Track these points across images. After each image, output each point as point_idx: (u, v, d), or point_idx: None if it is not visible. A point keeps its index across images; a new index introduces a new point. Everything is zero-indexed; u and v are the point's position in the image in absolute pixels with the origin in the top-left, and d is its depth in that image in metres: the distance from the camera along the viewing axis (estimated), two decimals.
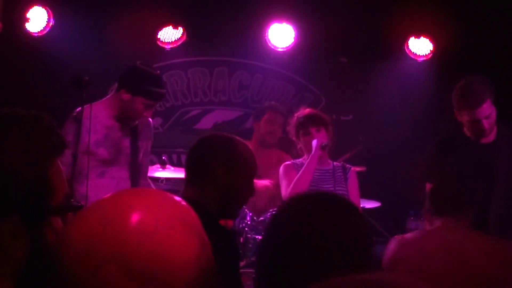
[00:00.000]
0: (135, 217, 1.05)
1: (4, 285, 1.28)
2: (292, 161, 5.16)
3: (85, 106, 4.39)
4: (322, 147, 4.94)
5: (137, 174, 4.78)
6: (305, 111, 5.16)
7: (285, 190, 4.94)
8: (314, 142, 4.92)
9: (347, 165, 5.20)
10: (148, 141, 4.94)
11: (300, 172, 4.91)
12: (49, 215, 1.34)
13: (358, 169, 5.59)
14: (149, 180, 5.07)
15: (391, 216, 6.80)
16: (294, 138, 5.14)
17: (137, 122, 4.74)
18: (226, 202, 3.02)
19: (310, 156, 4.92)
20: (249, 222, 5.32)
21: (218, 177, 2.98)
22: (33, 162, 1.34)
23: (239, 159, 3.04)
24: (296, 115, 5.15)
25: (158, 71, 4.79)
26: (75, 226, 1.10)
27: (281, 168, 5.12)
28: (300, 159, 5.12)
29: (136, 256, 1.02)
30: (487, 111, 4.37)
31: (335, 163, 5.17)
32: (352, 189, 5.09)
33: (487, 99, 4.36)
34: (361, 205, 6.05)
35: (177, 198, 1.14)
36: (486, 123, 4.39)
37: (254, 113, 6.66)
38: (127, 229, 1.04)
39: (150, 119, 4.96)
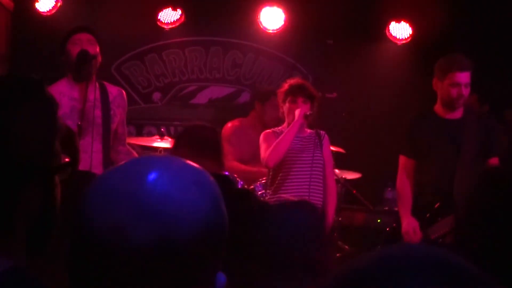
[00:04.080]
0: (153, 174, 1.09)
1: (20, 241, 1.31)
2: (272, 129, 5.16)
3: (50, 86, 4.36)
4: (305, 117, 4.97)
5: (109, 146, 4.68)
6: (299, 80, 5.20)
7: (264, 153, 4.98)
8: (298, 111, 4.95)
9: (322, 132, 5.17)
10: (122, 110, 4.79)
11: (281, 137, 4.95)
12: (56, 173, 1.35)
13: (334, 149, 5.69)
14: (128, 146, 4.98)
15: (370, 186, 7.04)
16: (280, 102, 5.15)
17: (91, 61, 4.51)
18: None
19: (293, 122, 4.94)
20: None
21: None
22: (49, 128, 1.33)
23: None
24: (288, 81, 5.16)
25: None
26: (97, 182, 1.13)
27: (261, 135, 5.13)
28: (280, 128, 5.14)
29: (147, 198, 1.06)
30: (468, 79, 4.58)
31: (309, 130, 5.18)
32: (326, 155, 5.13)
33: (470, 70, 4.60)
34: (343, 176, 6.29)
35: (194, 164, 1.16)
36: (464, 90, 4.57)
37: (257, 93, 6.60)
38: (145, 180, 1.08)
39: (123, 91, 4.90)
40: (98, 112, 4.58)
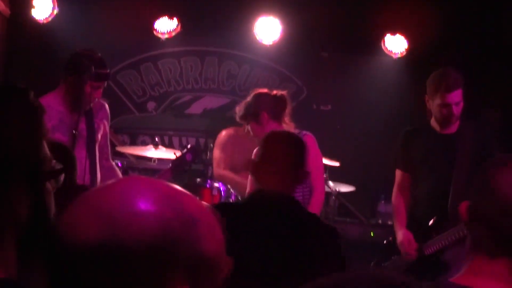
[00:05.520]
0: (127, 187, 1.12)
1: (10, 249, 1.29)
2: None
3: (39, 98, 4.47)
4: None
5: (95, 155, 4.75)
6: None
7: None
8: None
9: (302, 133, 4.76)
10: (105, 122, 4.90)
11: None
12: (46, 180, 1.35)
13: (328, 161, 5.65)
14: (111, 161, 5.06)
15: (364, 200, 7.05)
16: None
17: (91, 105, 4.68)
18: None
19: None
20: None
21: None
22: (35, 134, 1.33)
23: None
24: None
25: (99, 54, 4.72)
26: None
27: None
28: None
29: (107, 202, 1.08)
30: (458, 97, 4.51)
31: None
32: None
33: (460, 87, 4.51)
34: (337, 189, 6.27)
35: (173, 186, 1.16)
36: (455, 109, 4.52)
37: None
38: (115, 189, 1.11)
39: (105, 103, 4.96)
40: (82, 125, 4.67)
